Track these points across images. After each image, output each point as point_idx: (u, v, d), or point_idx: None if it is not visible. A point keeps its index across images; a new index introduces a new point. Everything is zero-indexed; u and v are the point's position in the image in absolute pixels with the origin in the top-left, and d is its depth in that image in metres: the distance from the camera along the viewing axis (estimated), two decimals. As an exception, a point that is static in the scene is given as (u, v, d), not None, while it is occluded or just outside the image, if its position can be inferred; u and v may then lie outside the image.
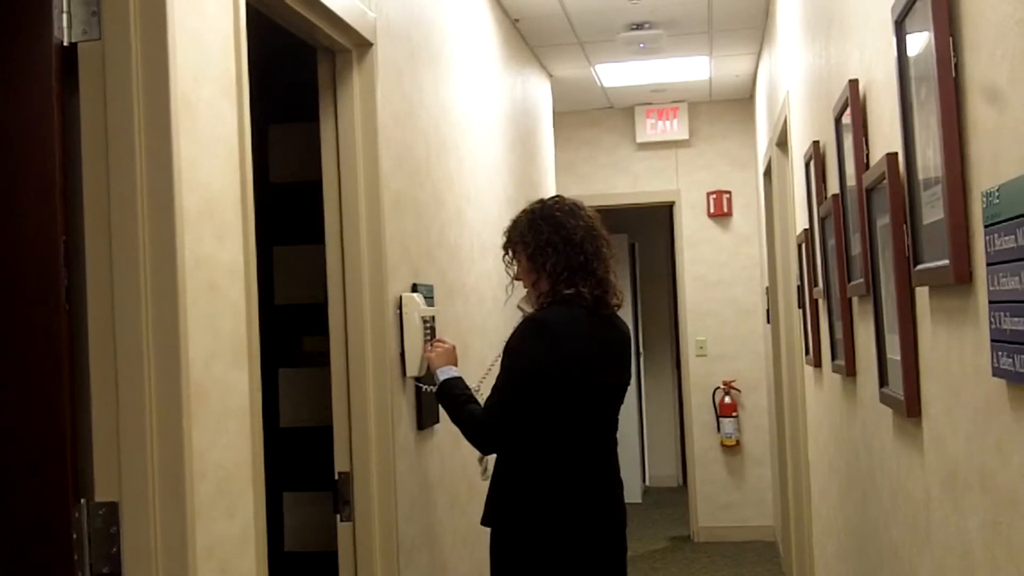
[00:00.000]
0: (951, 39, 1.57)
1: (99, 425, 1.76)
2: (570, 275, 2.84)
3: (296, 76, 3.22)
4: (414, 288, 3.19)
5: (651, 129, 7.86)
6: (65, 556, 1.72)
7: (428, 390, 3.11)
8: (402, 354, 3.06)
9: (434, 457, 3.38)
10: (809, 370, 4.34)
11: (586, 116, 7.95)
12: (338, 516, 2.88)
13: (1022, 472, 1.36)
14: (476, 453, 3.14)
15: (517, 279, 2.99)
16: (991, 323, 1.40)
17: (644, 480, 9.73)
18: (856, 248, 2.63)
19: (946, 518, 1.83)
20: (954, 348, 1.71)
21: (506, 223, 3.06)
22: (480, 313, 4.15)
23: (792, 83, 4.37)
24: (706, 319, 7.86)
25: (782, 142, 5.12)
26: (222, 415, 1.93)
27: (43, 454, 1.75)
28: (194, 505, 1.79)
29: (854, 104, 2.51)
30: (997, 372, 1.39)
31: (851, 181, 2.63)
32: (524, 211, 2.99)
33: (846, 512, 3.29)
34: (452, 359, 3.06)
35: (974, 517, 1.63)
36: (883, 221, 2.17)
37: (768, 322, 6.76)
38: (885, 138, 2.22)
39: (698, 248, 7.89)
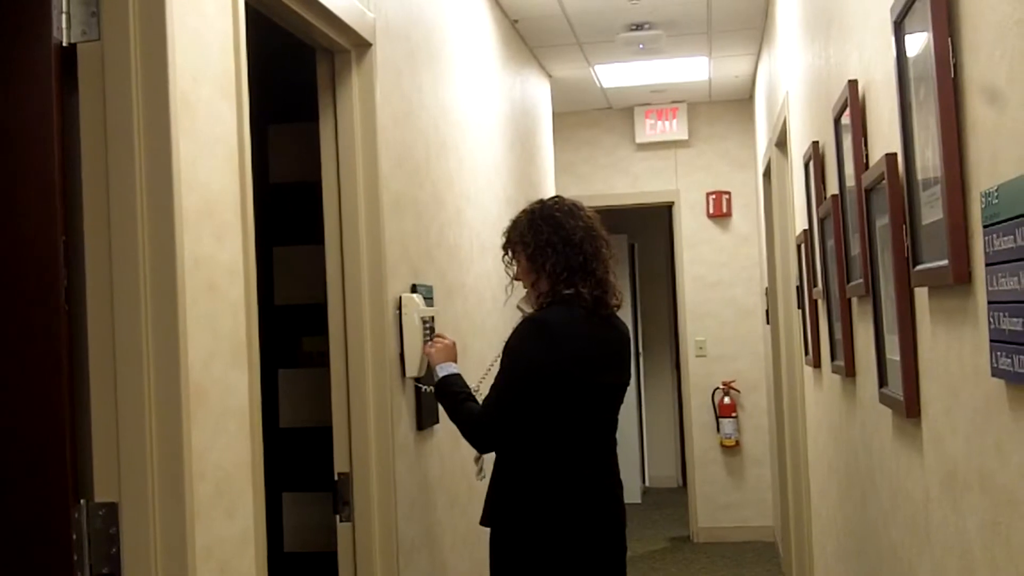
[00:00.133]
0: (950, 39, 1.57)
1: (98, 425, 1.76)
2: (569, 275, 2.84)
3: (295, 76, 3.22)
4: (413, 288, 3.19)
5: (650, 130, 7.86)
6: (65, 557, 1.72)
7: (427, 390, 3.11)
8: (401, 354, 3.06)
9: (434, 457, 3.38)
10: (808, 370, 4.34)
11: (585, 116, 7.96)
12: (338, 516, 2.87)
13: (1021, 472, 1.36)
14: (474, 453, 3.14)
15: (517, 279, 2.99)
16: (990, 323, 1.40)
17: (644, 481, 9.73)
18: (855, 248, 2.63)
19: (945, 518, 1.83)
20: (953, 348, 1.71)
21: (505, 223, 3.06)
22: (479, 313, 4.15)
23: (791, 83, 4.37)
24: (706, 319, 7.86)
25: (781, 142, 5.12)
26: (222, 415, 1.93)
27: (43, 454, 1.75)
28: (194, 505, 1.79)
29: (853, 104, 2.51)
30: (996, 372, 1.39)
31: (850, 181, 2.63)
32: (524, 211, 2.99)
33: (845, 512, 3.29)
34: (452, 355, 3.07)
35: (973, 517, 1.63)
36: (882, 221, 2.17)
37: (768, 323, 6.76)
38: (884, 138, 2.22)
39: (697, 248, 7.89)
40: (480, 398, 2.93)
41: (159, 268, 1.77)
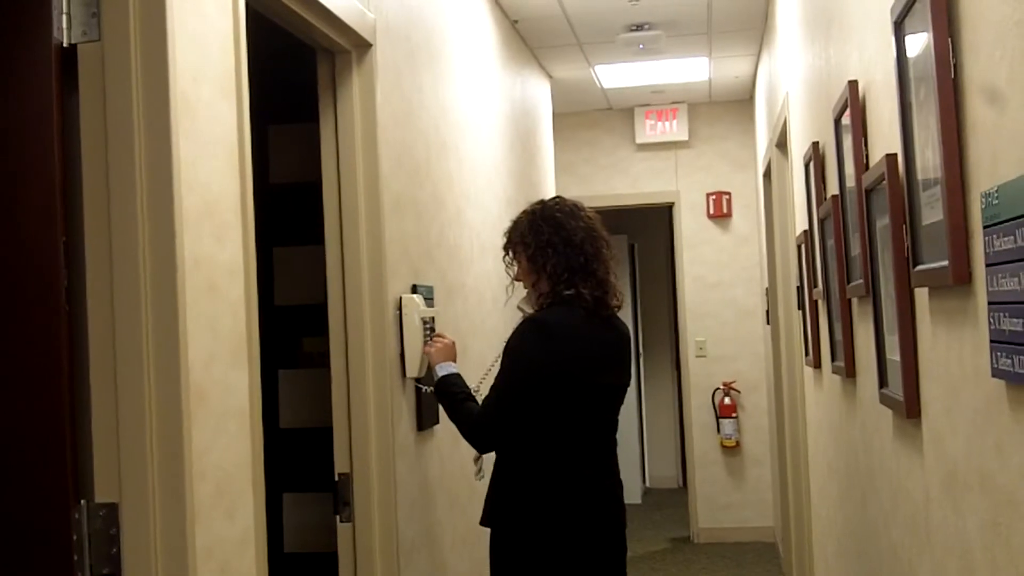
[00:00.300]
0: (950, 40, 1.57)
1: (99, 426, 1.76)
2: (570, 276, 2.84)
3: (296, 77, 3.22)
4: (414, 289, 3.19)
5: (651, 130, 7.86)
6: (65, 557, 1.73)
7: (427, 391, 3.11)
8: (402, 355, 3.06)
9: (434, 458, 3.38)
10: (809, 371, 4.34)
11: (586, 117, 7.96)
12: (338, 517, 2.88)
13: (1021, 473, 1.36)
14: (474, 453, 3.14)
15: (517, 280, 2.99)
16: (990, 324, 1.40)
17: (644, 481, 9.73)
18: (856, 249, 2.63)
19: (945, 519, 1.83)
20: (953, 349, 1.71)
21: (506, 223, 3.06)
22: (479, 313, 4.15)
23: (792, 84, 4.37)
24: (706, 320, 7.86)
25: (782, 143, 5.12)
26: (222, 416, 1.93)
27: (43, 455, 1.75)
28: (194, 506, 1.79)
29: (853, 105, 2.51)
30: (996, 373, 1.39)
31: (850, 182, 2.63)
32: (525, 212, 2.99)
33: (846, 513, 3.29)
34: (451, 355, 3.07)
35: (973, 518, 1.63)
36: (882, 222, 2.17)
37: (768, 323, 6.76)
38: (884, 139, 2.22)
39: (698, 249, 7.89)
40: (480, 398, 2.93)
41: (159, 268, 1.77)
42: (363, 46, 2.92)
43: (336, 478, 2.88)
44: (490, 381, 2.91)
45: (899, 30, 1.89)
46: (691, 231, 7.90)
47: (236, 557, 1.96)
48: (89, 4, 1.78)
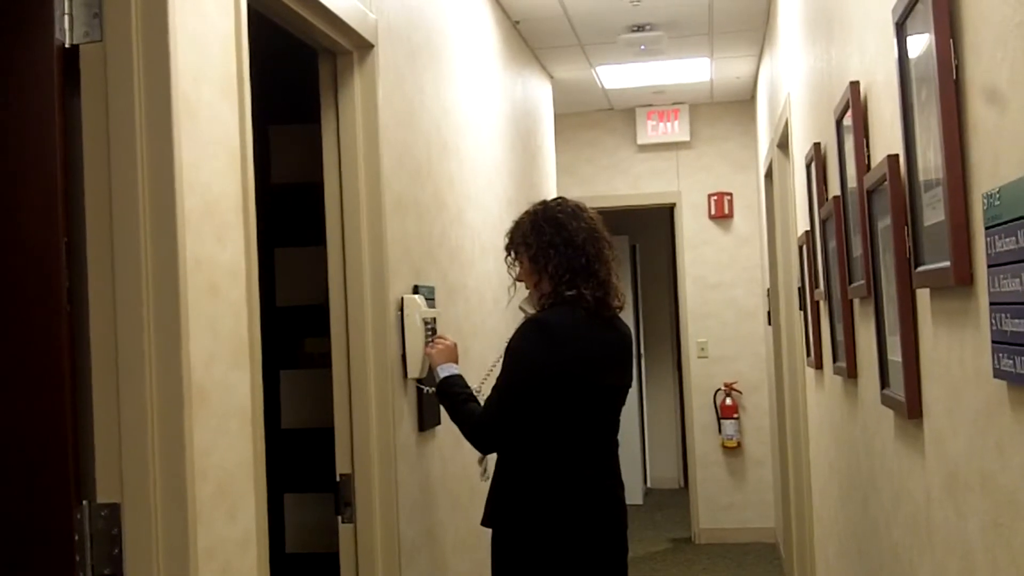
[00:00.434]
0: (952, 41, 1.57)
1: (100, 426, 1.76)
2: (572, 277, 2.84)
3: (297, 77, 3.22)
4: (415, 289, 3.19)
5: (652, 131, 7.87)
6: (66, 557, 1.73)
7: (428, 391, 3.11)
8: (403, 356, 3.06)
9: (435, 458, 3.38)
10: (810, 372, 4.34)
11: (587, 118, 7.96)
12: (339, 517, 2.88)
13: (1022, 473, 1.36)
14: (477, 454, 3.14)
15: (519, 280, 2.99)
16: (992, 325, 1.40)
17: (645, 482, 9.73)
18: (857, 250, 2.63)
19: (947, 519, 1.83)
20: (955, 350, 1.71)
21: (507, 224, 3.06)
22: (481, 314, 4.15)
23: (793, 85, 4.37)
24: (707, 321, 7.86)
25: (783, 144, 5.12)
26: (223, 416, 1.93)
27: (45, 455, 1.75)
28: (195, 506, 1.79)
29: (855, 106, 2.51)
30: (998, 374, 1.39)
31: (852, 183, 2.63)
32: (527, 212, 2.99)
33: (847, 513, 3.29)
34: (452, 356, 3.07)
35: (975, 518, 1.63)
36: (884, 223, 2.17)
37: (769, 324, 6.76)
38: (886, 140, 2.22)
39: (699, 250, 7.89)
40: (482, 399, 2.93)
41: (161, 269, 1.77)
42: (364, 47, 2.92)
43: (337, 479, 2.88)
44: (491, 382, 2.91)
45: (900, 31, 1.89)
46: (692, 232, 7.90)
47: (237, 557, 1.96)
48: (91, 5, 1.78)
